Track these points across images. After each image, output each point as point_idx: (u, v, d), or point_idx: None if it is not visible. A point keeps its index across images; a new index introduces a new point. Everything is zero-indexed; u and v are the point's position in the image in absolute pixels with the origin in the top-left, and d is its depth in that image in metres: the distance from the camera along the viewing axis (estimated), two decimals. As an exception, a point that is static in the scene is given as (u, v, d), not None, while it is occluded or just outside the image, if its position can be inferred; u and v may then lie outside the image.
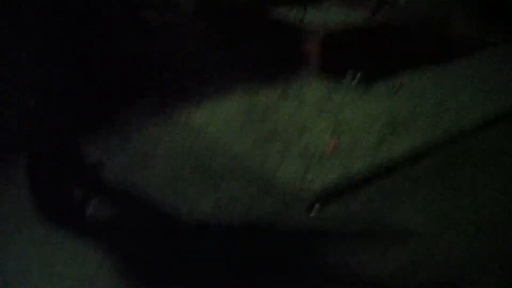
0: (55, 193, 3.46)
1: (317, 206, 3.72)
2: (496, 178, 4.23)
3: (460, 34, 7.65)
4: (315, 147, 4.47)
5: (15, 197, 3.60)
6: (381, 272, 3.16)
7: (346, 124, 4.90)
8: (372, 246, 3.37)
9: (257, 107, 5.12)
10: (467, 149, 4.68)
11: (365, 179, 4.08)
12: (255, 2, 7.41)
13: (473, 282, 3.11)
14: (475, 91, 5.82)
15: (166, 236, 3.40)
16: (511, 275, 3.15)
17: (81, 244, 3.27)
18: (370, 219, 3.66)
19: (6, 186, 3.76)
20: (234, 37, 6.88)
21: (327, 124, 4.88)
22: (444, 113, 5.23)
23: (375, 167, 4.23)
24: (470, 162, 4.46)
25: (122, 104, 5.01)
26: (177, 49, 6.67)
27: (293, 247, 3.38)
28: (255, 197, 3.81)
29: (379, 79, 5.99)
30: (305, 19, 6.57)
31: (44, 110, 3.34)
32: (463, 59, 6.85)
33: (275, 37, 6.51)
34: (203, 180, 3.98)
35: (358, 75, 5.84)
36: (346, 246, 3.39)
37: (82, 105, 3.58)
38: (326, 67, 6.03)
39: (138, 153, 4.30)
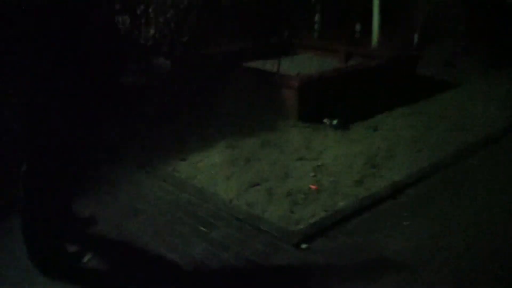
0: (51, 248, 3.56)
1: (304, 245, 3.85)
2: (473, 204, 4.42)
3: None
4: (298, 189, 4.63)
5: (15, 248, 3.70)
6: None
7: (326, 166, 5.08)
8: (358, 277, 3.49)
9: (239, 158, 5.29)
10: (443, 180, 4.88)
11: (348, 215, 4.23)
12: (231, 57, 7.70)
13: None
14: (445, 128, 6.12)
15: (160, 283, 3.50)
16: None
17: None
18: (355, 252, 3.80)
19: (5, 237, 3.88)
20: (211, 94, 7.12)
21: (308, 167, 5.06)
22: (419, 150, 5.47)
23: (358, 203, 4.40)
24: (447, 192, 4.65)
25: (109, 161, 5.17)
26: (157, 107, 6.88)
27: (284, 284, 3.49)
28: (244, 239, 3.93)
29: (355, 123, 6.22)
30: (280, 71, 6.84)
31: (35, 172, 3.46)
32: (428, 99, 7.20)
33: (252, 90, 6.74)
34: (193, 228, 4.10)
35: (335, 121, 6.07)
36: (334, 278, 3.50)
37: (71, 162, 3.72)
38: (303, 115, 6.26)
39: (128, 206, 4.42)
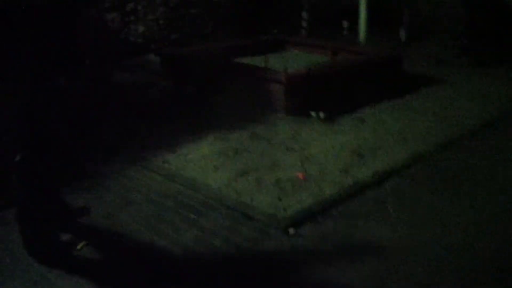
0: (45, 238, 3.67)
1: (291, 229, 3.96)
2: (453, 195, 4.55)
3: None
4: (286, 178, 4.75)
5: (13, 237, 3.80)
6: (352, 283, 3.39)
7: (314, 156, 5.20)
8: (343, 260, 3.62)
9: (228, 149, 5.40)
10: (427, 170, 5.02)
11: (334, 201, 4.36)
12: (221, 54, 7.82)
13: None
14: (429, 121, 6.28)
15: (151, 270, 3.60)
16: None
17: (73, 281, 3.45)
18: (341, 237, 3.92)
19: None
20: (201, 90, 7.23)
21: (295, 158, 5.18)
22: (402, 142, 5.60)
23: (344, 191, 4.53)
24: (429, 182, 4.78)
25: (101, 154, 5.27)
26: (148, 103, 6.99)
27: (273, 268, 3.60)
28: (234, 226, 4.04)
29: (342, 116, 6.35)
30: (269, 66, 6.96)
31: (29, 163, 3.55)
32: (413, 94, 7.37)
33: (242, 85, 6.86)
34: (183, 216, 4.20)
35: (322, 114, 6.19)
36: (320, 262, 3.62)
37: (63, 157, 3.83)
38: (291, 108, 6.38)
39: (120, 197, 4.52)
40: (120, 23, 8.33)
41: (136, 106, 6.88)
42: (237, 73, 7.08)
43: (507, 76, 8.44)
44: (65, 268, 3.57)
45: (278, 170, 4.94)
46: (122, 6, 8.48)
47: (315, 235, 3.94)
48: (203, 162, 5.14)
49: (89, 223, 4.13)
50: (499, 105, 6.97)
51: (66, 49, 3.45)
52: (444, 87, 7.89)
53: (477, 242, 3.82)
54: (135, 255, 3.75)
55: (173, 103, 7.08)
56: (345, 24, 10.63)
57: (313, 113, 6.23)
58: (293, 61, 7.81)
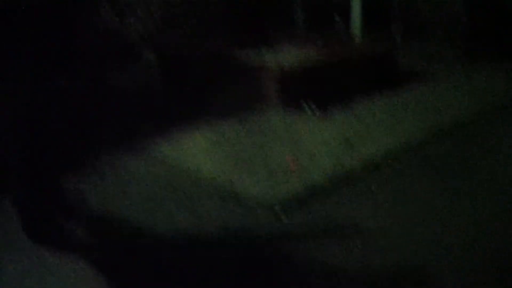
0: (46, 220, 3.79)
1: (282, 214, 4.10)
2: (442, 183, 4.70)
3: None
4: (279, 167, 4.88)
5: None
6: (340, 264, 3.53)
7: (305, 147, 5.33)
8: (331, 241, 3.77)
9: (222, 140, 5.53)
10: (414, 161, 5.15)
11: (324, 189, 4.49)
12: (216, 49, 7.91)
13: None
14: (418, 113, 6.40)
15: (146, 253, 3.72)
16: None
17: (70, 265, 3.57)
18: (330, 223, 4.06)
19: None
20: (196, 84, 7.33)
21: (287, 148, 5.31)
22: (392, 133, 5.73)
23: (334, 179, 4.66)
24: (417, 170, 4.92)
25: (99, 143, 5.38)
26: (145, 95, 7.10)
27: (265, 250, 3.73)
28: (228, 212, 4.17)
29: (333, 108, 6.47)
30: (261, 59, 7.06)
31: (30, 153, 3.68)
32: (405, 86, 7.50)
33: (236, 79, 6.97)
34: (177, 203, 4.33)
35: (313, 105, 6.31)
36: (308, 244, 3.76)
37: (62, 147, 3.94)
38: (283, 100, 6.50)
39: (117, 185, 4.64)
40: (118, 21, 8.39)
41: (132, 99, 6.97)
42: (232, 67, 7.18)
43: (500, 70, 8.57)
44: (63, 252, 3.69)
45: (270, 158, 5.07)
46: (118, 3, 8.55)
47: (305, 221, 4.08)
48: (196, 151, 5.26)
49: (85, 208, 4.25)
50: (490, 98, 7.09)
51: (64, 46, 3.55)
52: (436, 80, 8.02)
53: (461, 224, 3.97)
54: (131, 239, 3.88)
55: (170, 96, 7.19)
56: (338, 19, 10.73)
57: (305, 105, 6.35)
58: (285, 53, 7.90)
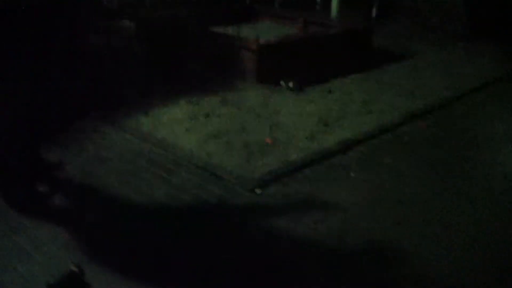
0: (22, 189, 3.84)
1: (258, 190, 4.19)
2: (415, 161, 4.83)
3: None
4: (255, 142, 4.95)
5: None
6: (313, 238, 3.64)
7: (282, 123, 5.41)
8: (304, 218, 3.86)
9: (199, 113, 5.58)
10: (390, 140, 5.27)
11: (300, 165, 4.58)
12: (193, 21, 7.92)
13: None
14: (394, 94, 6.52)
15: (124, 222, 3.79)
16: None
17: (48, 229, 3.62)
18: (304, 198, 4.16)
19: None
20: (174, 56, 7.35)
21: (264, 124, 5.38)
22: (368, 112, 5.84)
23: (309, 156, 4.75)
24: (391, 151, 5.02)
25: (76, 115, 5.39)
26: (122, 66, 7.10)
27: (238, 223, 3.82)
28: (203, 185, 4.24)
29: (310, 86, 6.55)
30: (241, 35, 7.10)
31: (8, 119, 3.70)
32: (382, 68, 7.62)
33: (214, 52, 7.01)
34: (155, 174, 4.39)
35: (291, 83, 6.38)
36: (283, 219, 3.85)
37: (39, 116, 3.96)
38: (261, 77, 6.56)
39: (94, 154, 4.69)
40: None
41: (110, 69, 6.97)
42: (210, 40, 7.21)
43: (480, 51, 8.73)
44: (41, 217, 3.74)
45: (247, 134, 5.14)
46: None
47: (280, 195, 4.18)
48: (174, 124, 5.31)
49: (64, 177, 4.29)
50: (467, 79, 7.23)
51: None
52: (411, 61, 8.13)
53: (432, 199, 4.13)
54: (108, 207, 3.94)
55: (147, 68, 7.21)
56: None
57: (282, 82, 6.42)
58: (264, 31, 7.95)
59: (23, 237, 3.52)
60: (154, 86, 6.41)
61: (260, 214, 3.94)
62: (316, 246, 3.57)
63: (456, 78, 7.26)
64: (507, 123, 5.79)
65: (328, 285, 3.21)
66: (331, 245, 3.59)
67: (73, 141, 4.91)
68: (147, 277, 3.22)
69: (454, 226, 3.82)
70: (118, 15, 9.01)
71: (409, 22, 10.48)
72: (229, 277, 3.25)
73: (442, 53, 8.67)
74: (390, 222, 3.84)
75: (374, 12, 10.83)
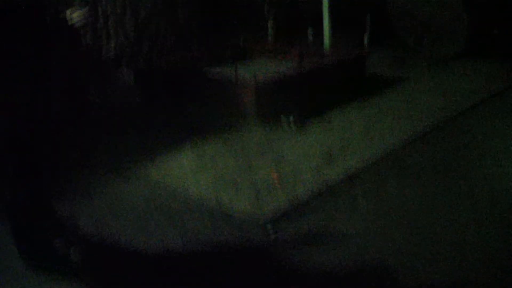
0: (39, 242, 3.90)
1: (269, 226, 4.27)
2: (421, 187, 4.91)
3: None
4: (261, 179, 5.05)
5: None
6: (327, 269, 3.72)
7: (286, 158, 5.50)
8: (317, 250, 3.96)
9: (204, 157, 5.67)
10: (394, 165, 5.36)
11: (308, 198, 4.67)
12: (190, 64, 8.06)
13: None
14: (392, 120, 6.63)
15: (141, 269, 3.85)
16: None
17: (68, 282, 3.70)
18: (314, 230, 4.26)
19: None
20: (174, 101, 7.46)
21: (269, 161, 5.47)
22: (370, 140, 5.93)
23: (316, 188, 4.84)
24: (397, 177, 5.12)
25: (85, 165, 5.49)
26: (123, 114, 7.21)
27: (253, 260, 3.90)
28: (216, 228, 4.32)
29: (311, 118, 6.66)
30: (238, 74, 7.22)
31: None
32: (378, 94, 7.73)
33: (213, 94, 7.12)
34: (168, 220, 4.47)
35: (291, 117, 6.49)
36: (295, 252, 3.94)
37: (48, 169, 4.05)
38: (261, 114, 6.66)
39: (106, 205, 4.76)
40: (91, 39, 8.51)
41: (111, 118, 7.08)
42: (208, 82, 7.32)
43: (472, 72, 8.84)
44: (60, 272, 3.81)
45: (253, 172, 5.23)
46: (93, 22, 8.67)
47: (291, 229, 4.26)
48: (180, 169, 5.40)
49: (77, 229, 4.37)
50: (462, 100, 7.33)
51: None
52: (407, 85, 8.26)
53: (445, 225, 4.21)
54: (124, 257, 4.01)
55: (149, 115, 7.32)
56: (310, 31, 10.93)
57: (282, 117, 6.52)
58: (261, 67, 8.07)
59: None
60: (158, 133, 6.50)
61: (273, 251, 4.02)
62: (332, 277, 3.64)
63: (452, 99, 7.36)
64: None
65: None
66: (345, 274, 3.66)
67: (82, 192, 4.98)
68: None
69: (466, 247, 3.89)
70: (115, 64, 9.16)
71: (401, 46, 10.63)
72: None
73: (437, 75, 8.78)
74: (398, 250, 3.92)
75: (366, 38, 10.97)
